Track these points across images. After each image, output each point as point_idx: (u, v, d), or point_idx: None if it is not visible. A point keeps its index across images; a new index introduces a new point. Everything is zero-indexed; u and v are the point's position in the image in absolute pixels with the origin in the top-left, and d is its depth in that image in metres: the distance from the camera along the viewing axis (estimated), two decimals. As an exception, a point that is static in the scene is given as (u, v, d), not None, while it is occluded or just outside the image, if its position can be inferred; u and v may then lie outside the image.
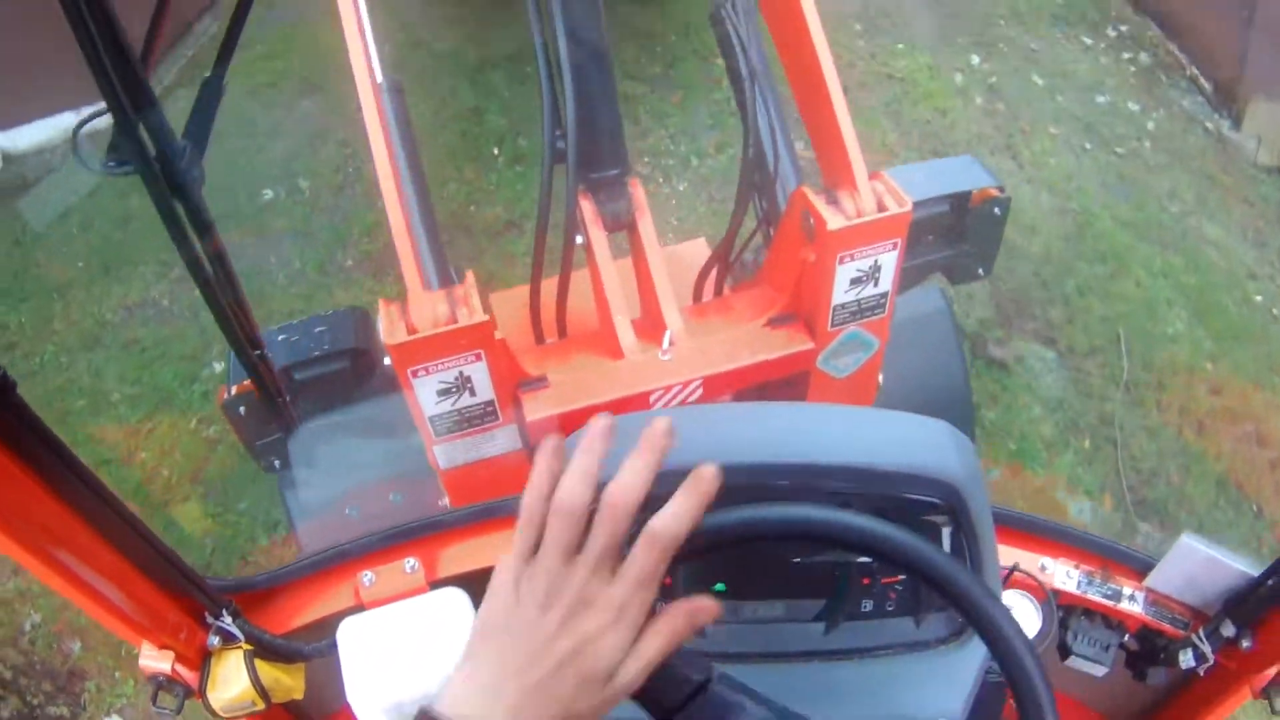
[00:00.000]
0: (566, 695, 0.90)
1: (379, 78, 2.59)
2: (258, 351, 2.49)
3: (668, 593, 1.23)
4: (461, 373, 2.22)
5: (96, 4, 1.73)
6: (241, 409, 2.81)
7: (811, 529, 1.03)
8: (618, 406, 2.45)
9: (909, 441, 1.33)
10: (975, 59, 6.68)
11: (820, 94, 2.45)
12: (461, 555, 1.89)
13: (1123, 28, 7.00)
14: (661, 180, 5.87)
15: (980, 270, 3.27)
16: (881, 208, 2.29)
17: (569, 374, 2.54)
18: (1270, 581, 1.57)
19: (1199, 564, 1.70)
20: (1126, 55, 6.77)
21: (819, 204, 2.31)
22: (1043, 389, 4.78)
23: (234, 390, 2.84)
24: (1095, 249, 5.40)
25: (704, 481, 0.97)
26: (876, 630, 1.44)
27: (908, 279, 3.05)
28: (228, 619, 1.66)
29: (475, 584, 1.80)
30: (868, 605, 1.43)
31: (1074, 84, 6.49)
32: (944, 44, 6.84)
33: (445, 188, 5.88)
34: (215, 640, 1.67)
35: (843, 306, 2.44)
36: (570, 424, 2.43)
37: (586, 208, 2.84)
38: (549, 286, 2.98)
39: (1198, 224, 5.58)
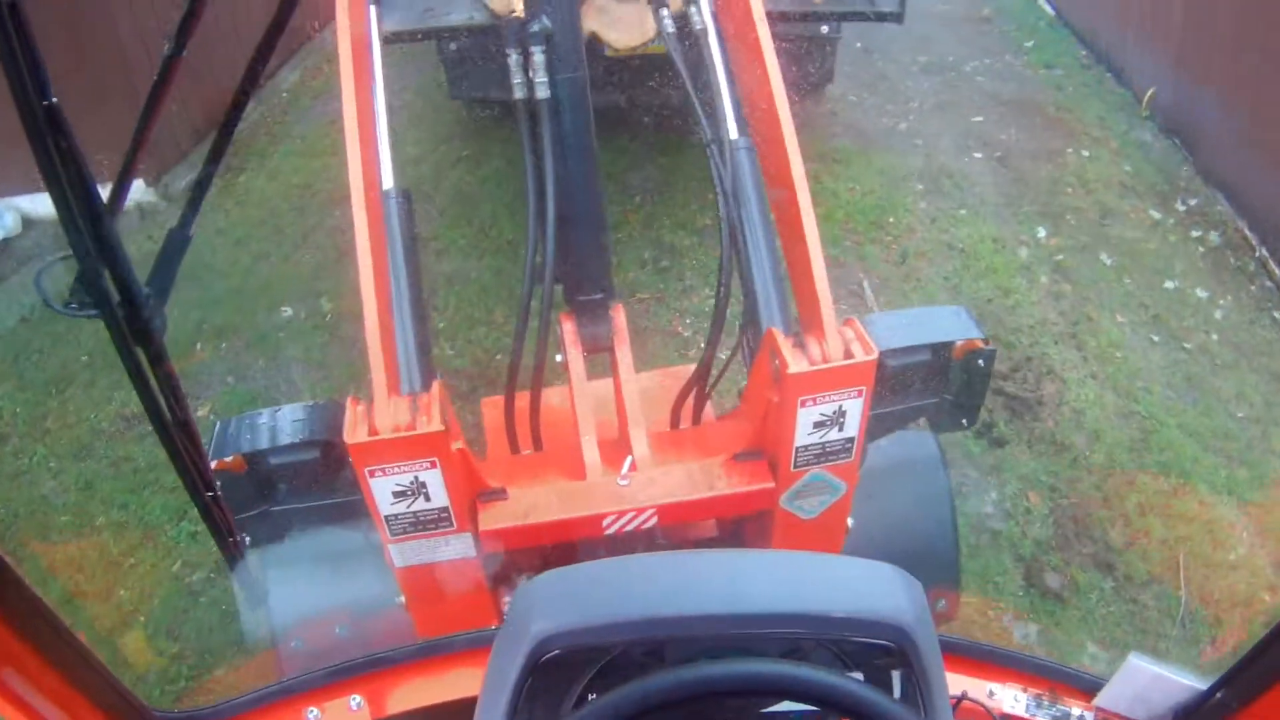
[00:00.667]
0: None
1: (387, 184, 2.67)
2: (211, 494, 2.43)
3: None
4: (417, 478, 2.27)
5: (69, 154, 1.71)
6: (219, 484, 2.70)
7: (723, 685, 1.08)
8: (570, 527, 2.54)
9: (858, 587, 1.34)
10: (1041, 231, 6.50)
11: (797, 237, 2.52)
12: (409, 693, 1.90)
13: (1191, 201, 6.83)
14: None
15: (964, 421, 3.19)
16: (848, 355, 2.31)
17: (529, 489, 2.59)
18: (1219, 694, 1.61)
19: (1148, 681, 1.72)
20: (1195, 233, 6.58)
21: (785, 346, 2.34)
22: (1096, 624, 4.45)
23: (213, 466, 2.78)
24: (1159, 460, 5.11)
25: None
26: None
27: (889, 424, 3.08)
28: None
29: None
30: None
31: (1142, 265, 6.29)
32: (1009, 211, 6.69)
33: (474, 330, 5.74)
34: None
35: (806, 449, 2.44)
36: (523, 539, 2.53)
37: (568, 329, 3.00)
38: (543, 395, 3.04)
39: (1264, 433, 5.30)
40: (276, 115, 8.02)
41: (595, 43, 5.24)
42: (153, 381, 2.09)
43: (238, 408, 5.25)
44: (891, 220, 6.58)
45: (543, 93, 2.64)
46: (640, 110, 6.30)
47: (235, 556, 2.67)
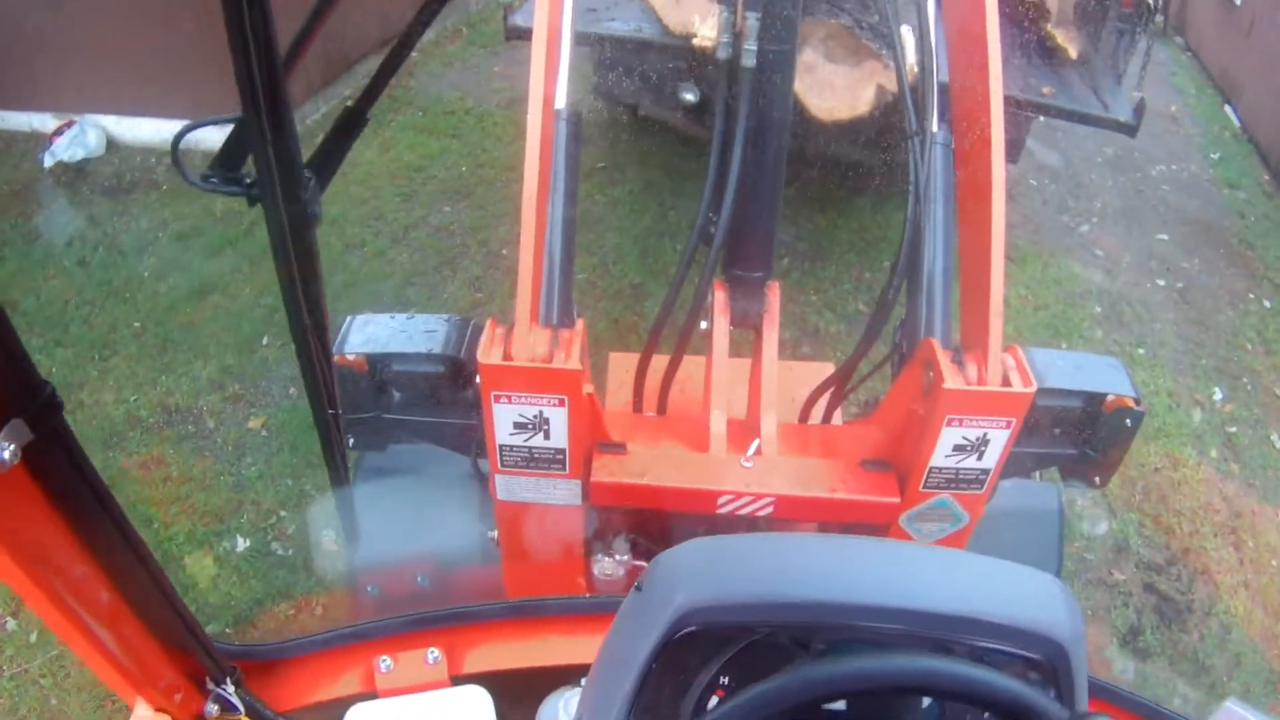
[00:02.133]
0: None
1: (560, 103, 2.59)
2: (332, 411, 2.31)
3: None
4: (541, 413, 2.26)
5: None
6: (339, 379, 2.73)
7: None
8: (683, 497, 2.53)
9: (1021, 594, 1.24)
10: (1218, 394, 5.90)
11: (981, 249, 2.42)
12: (489, 653, 1.84)
13: None
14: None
15: (1097, 479, 3.04)
16: (1005, 382, 2.27)
17: (649, 449, 2.61)
18: None
19: None
20: None
21: (943, 360, 2.29)
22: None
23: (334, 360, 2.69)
24: (1295, 702, 4.67)
25: None
26: None
27: (1020, 465, 2.94)
28: (230, 687, 1.57)
29: (500, 685, 1.77)
30: None
31: None
32: (1188, 361, 6.12)
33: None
34: (214, 708, 1.57)
35: (940, 470, 2.38)
36: (634, 496, 2.53)
37: (719, 298, 2.96)
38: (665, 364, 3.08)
39: None
40: (401, 78, 7.40)
41: (799, 108, 4.62)
42: (296, 274, 1.93)
43: (295, 424, 4.71)
44: (1063, 346, 5.99)
45: (748, 61, 2.53)
46: (806, 157, 5.60)
47: (341, 479, 2.54)
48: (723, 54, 2.61)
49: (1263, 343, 6.37)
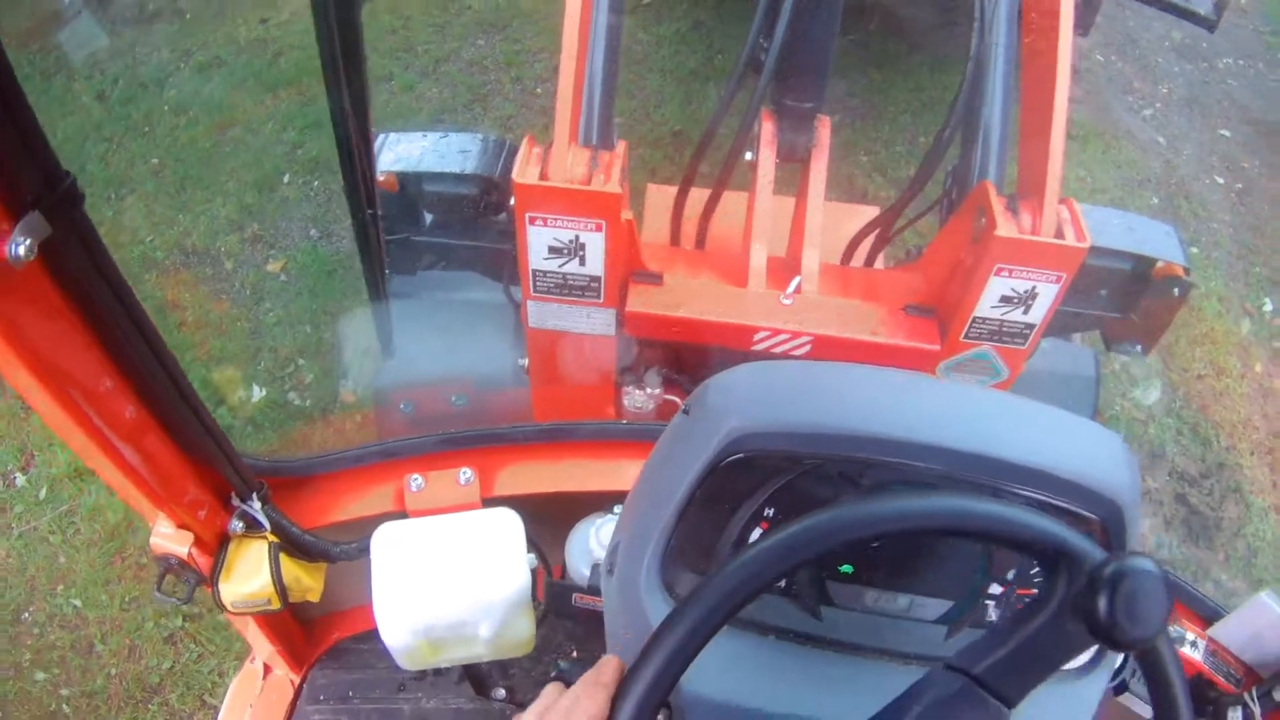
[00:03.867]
0: None
1: None
2: (371, 211, 2.34)
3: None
4: (578, 237, 2.22)
5: None
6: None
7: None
8: (719, 331, 2.51)
9: (1085, 450, 1.21)
10: (1269, 305, 5.70)
11: (1045, 93, 2.38)
12: (521, 475, 1.83)
13: None
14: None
15: (1140, 347, 3.09)
16: (1059, 235, 2.23)
17: (686, 282, 2.58)
18: None
19: (1268, 623, 1.71)
20: None
21: (997, 206, 2.25)
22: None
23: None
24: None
25: (605, 673, 1.00)
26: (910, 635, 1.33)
27: (1063, 323, 2.98)
28: (256, 504, 1.57)
29: (531, 508, 1.76)
30: (994, 615, 1.32)
31: None
32: (1241, 265, 5.90)
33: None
34: (239, 525, 1.57)
35: (984, 320, 2.39)
36: (669, 328, 2.52)
37: (767, 129, 2.86)
38: (705, 196, 2.99)
39: None
40: None
41: None
42: (340, 60, 1.94)
43: (316, 268, 4.57)
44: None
45: None
46: (863, 7, 5.48)
47: (379, 288, 2.59)
48: None
49: (1321, 255, 6.12)
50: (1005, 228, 2.21)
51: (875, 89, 6.15)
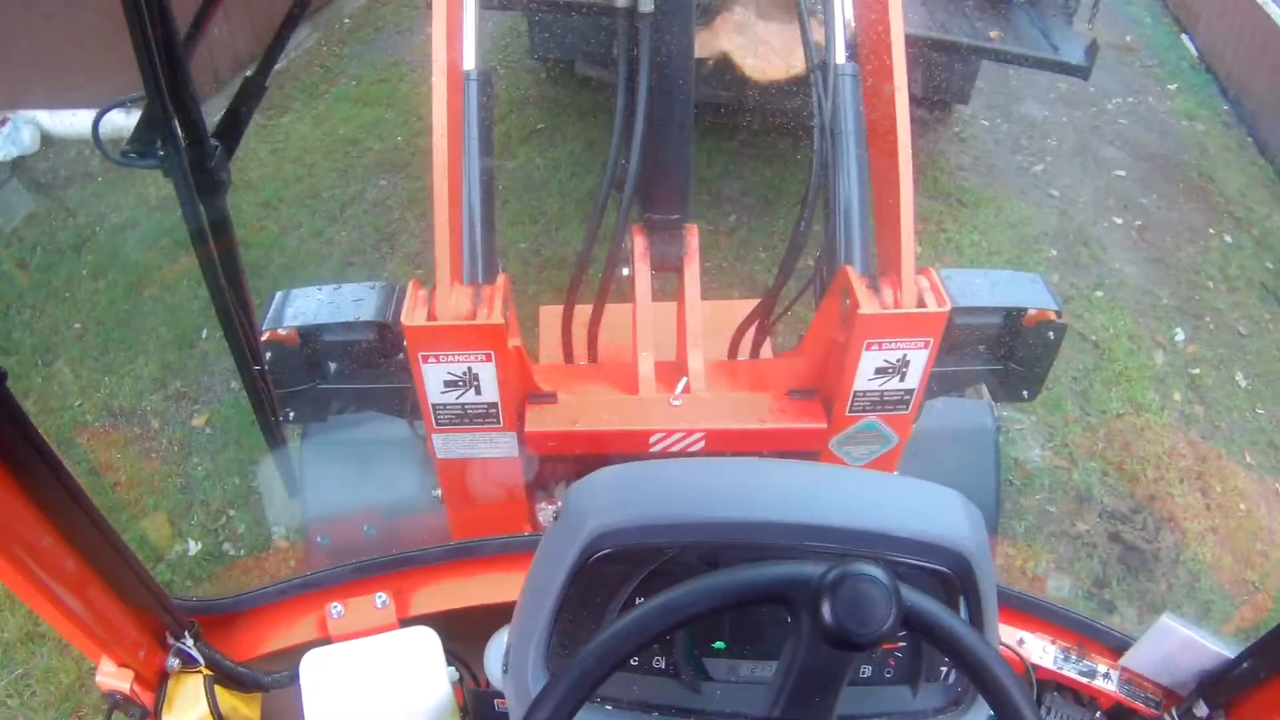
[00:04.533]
0: None
1: (469, 64, 2.63)
2: (258, 367, 2.43)
3: (669, 649, 1.35)
4: (470, 369, 2.31)
5: None
6: (269, 355, 2.76)
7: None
8: (616, 440, 2.59)
9: (923, 509, 1.30)
10: (1180, 334, 5.85)
11: (890, 177, 2.49)
12: (435, 594, 1.90)
13: None
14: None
15: (1025, 393, 3.11)
16: (921, 304, 2.33)
17: (580, 397, 2.68)
18: (1246, 664, 1.63)
19: (1177, 644, 1.74)
20: None
21: (858, 286, 2.36)
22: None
23: (264, 336, 2.80)
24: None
25: None
26: (874, 697, 1.41)
27: (949, 384, 3.04)
28: (189, 641, 1.65)
29: (446, 624, 1.83)
30: (866, 671, 1.40)
31: (1277, 392, 5.66)
32: (1148, 301, 6.05)
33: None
34: (175, 662, 1.65)
35: (864, 394, 2.47)
36: (568, 443, 2.60)
37: (639, 243, 3.07)
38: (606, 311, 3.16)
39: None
40: (334, 46, 7.30)
41: (728, 67, 4.63)
42: (211, 242, 2.06)
43: (239, 420, 4.65)
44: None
45: (646, 6, 2.58)
46: (748, 108, 5.55)
47: (276, 436, 2.67)
48: (622, 2, 2.62)
49: (1225, 280, 6.30)
50: (868, 305, 2.31)
51: (768, 185, 6.33)
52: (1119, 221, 6.65)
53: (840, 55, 2.73)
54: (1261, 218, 6.91)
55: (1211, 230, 6.72)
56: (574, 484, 1.29)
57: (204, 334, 5.05)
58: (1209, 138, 7.78)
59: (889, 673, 1.42)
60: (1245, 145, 7.72)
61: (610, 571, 1.27)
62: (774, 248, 5.90)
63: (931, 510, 1.31)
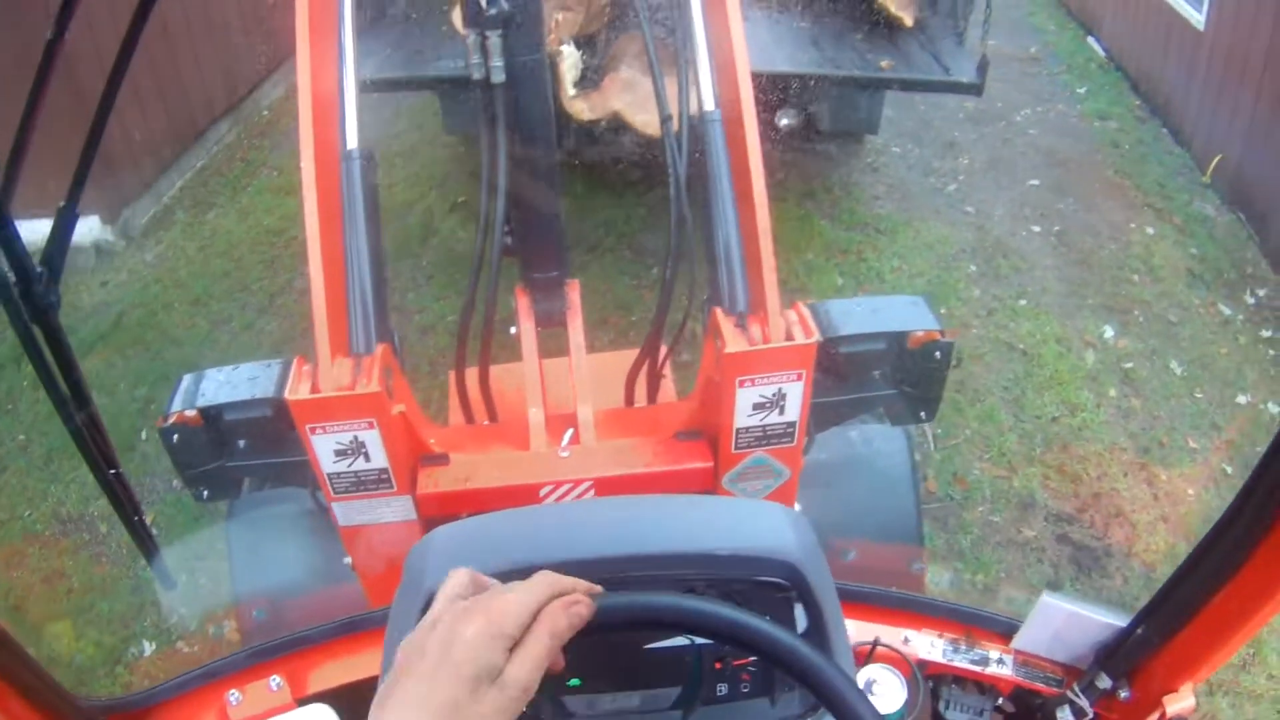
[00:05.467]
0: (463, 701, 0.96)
1: (350, 144, 2.65)
2: (114, 470, 2.43)
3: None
4: (356, 437, 2.34)
5: None
6: (175, 437, 2.83)
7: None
8: (507, 495, 2.61)
9: (745, 526, 1.36)
10: (1109, 331, 5.91)
11: (750, 221, 2.54)
12: (328, 671, 1.94)
13: (1260, 292, 6.30)
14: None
15: (923, 414, 3.16)
16: (789, 337, 2.38)
17: (472, 456, 2.70)
18: (1139, 630, 1.65)
19: (1063, 621, 1.76)
20: (1266, 333, 6.01)
21: (726, 326, 2.42)
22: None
23: (171, 419, 2.84)
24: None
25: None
26: (733, 714, 1.47)
27: (845, 413, 3.08)
28: None
29: (342, 699, 1.86)
30: (722, 689, 1.45)
31: (1213, 375, 5.72)
32: (1073, 302, 6.12)
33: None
34: None
35: (746, 430, 2.50)
36: (461, 504, 2.61)
37: (522, 304, 3.20)
38: (503, 371, 3.24)
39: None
40: (254, 139, 7.37)
41: (622, 124, 4.69)
42: (50, 359, 2.10)
43: (183, 518, 4.71)
44: (943, 311, 5.93)
45: (498, 77, 2.62)
46: (648, 162, 5.52)
47: (143, 538, 2.67)
48: (476, 74, 2.68)
49: (1149, 271, 6.40)
50: (735, 344, 2.36)
51: (686, 236, 6.34)
52: (1037, 230, 6.75)
53: (710, 102, 2.77)
54: (1182, 205, 7.04)
55: (1132, 225, 6.84)
56: (414, 545, 1.34)
57: (143, 435, 5.09)
58: (1122, 135, 7.93)
59: (745, 688, 1.46)
60: (1160, 137, 7.88)
61: None
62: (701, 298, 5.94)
63: (754, 526, 1.36)
